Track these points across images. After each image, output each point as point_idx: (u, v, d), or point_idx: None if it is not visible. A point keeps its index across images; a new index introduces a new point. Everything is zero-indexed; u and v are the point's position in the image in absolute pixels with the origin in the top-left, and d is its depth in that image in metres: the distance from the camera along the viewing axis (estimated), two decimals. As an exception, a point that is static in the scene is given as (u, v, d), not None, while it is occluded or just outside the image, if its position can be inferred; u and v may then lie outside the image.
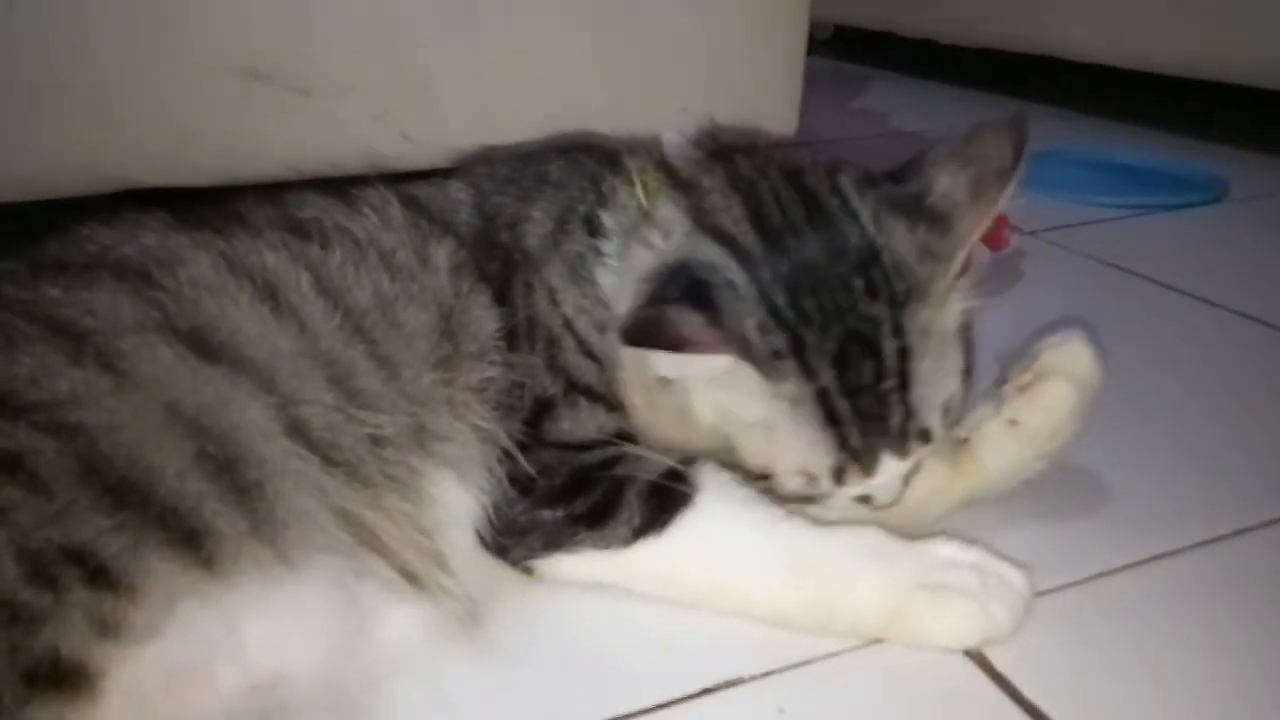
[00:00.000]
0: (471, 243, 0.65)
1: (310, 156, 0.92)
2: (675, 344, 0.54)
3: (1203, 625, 0.59)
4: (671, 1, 1.01)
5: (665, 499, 0.58)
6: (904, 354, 0.57)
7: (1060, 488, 0.70)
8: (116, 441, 0.46)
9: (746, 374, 0.55)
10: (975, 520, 0.64)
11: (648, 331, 0.55)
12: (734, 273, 0.57)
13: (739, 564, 0.58)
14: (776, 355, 0.56)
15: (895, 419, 0.57)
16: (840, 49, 2.32)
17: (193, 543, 0.46)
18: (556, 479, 0.59)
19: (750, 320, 0.56)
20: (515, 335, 0.62)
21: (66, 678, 0.40)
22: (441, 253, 0.63)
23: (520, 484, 0.59)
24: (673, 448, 0.61)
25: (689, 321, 0.54)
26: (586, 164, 0.70)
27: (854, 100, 1.97)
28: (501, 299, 0.63)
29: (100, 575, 0.43)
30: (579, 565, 0.59)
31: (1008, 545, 0.60)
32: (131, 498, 0.45)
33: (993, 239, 1.00)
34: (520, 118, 0.97)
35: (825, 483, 0.59)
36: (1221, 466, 0.75)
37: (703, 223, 0.60)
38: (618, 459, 0.60)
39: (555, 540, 0.59)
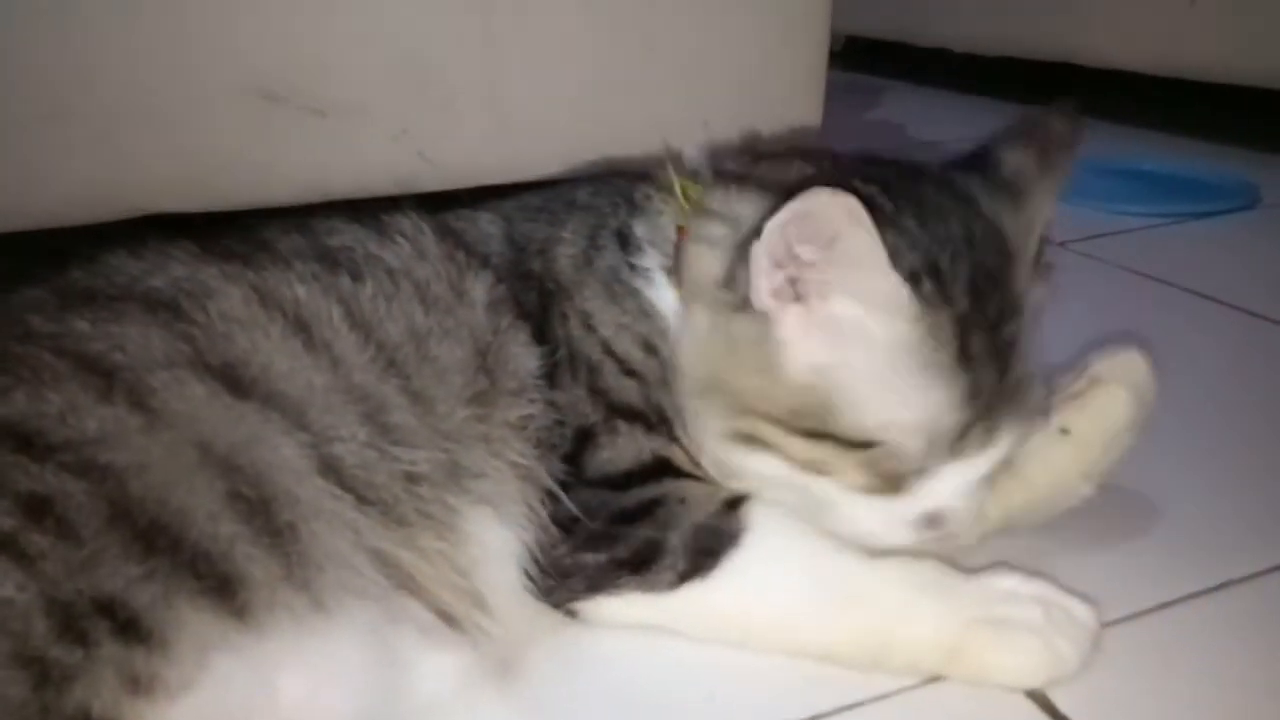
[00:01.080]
0: (507, 275, 0.63)
1: (327, 179, 0.91)
2: (851, 198, 0.49)
3: (1277, 654, 0.56)
4: (691, 13, 1.00)
5: (711, 541, 0.56)
6: (1018, 304, 0.56)
7: (1115, 512, 0.67)
8: (147, 483, 0.44)
9: (889, 285, 0.52)
10: (1032, 549, 0.62)
11: (819, 188, 0.50)
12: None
13: (789, 603, 0.55)
14: (913, 276, 0.53)
15: (1018, 368, 0.55)
16: (852, 60, 2.31)
17: (225, 591, 0.44)
18: (598, 522, 0.57)
19: (886, 234, 0.52)
20: (558, 371, 0.60)
21: (99, 739, 0.38)
22: (479, 287, 0.61)
23: (564, 525, 0.57)
24: (744, 407, 0.56)
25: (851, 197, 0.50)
26: (616, 183, 0.68)
27: (870, 112, 1.95)
28: (541, 336, 0.61)
29: (131, 628, 0.41)
30: (623, 608, 0.57)
31: (1065, 575, 0.58)
32: (162, 542, 0.43)
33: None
34: (540, 136, 0.96)
35: (942, 447, 0.54)
36: (1280, 486, 0.72)
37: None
38: (660, 501, 0.57)
39: (598, 584, 0.57)
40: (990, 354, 0.54)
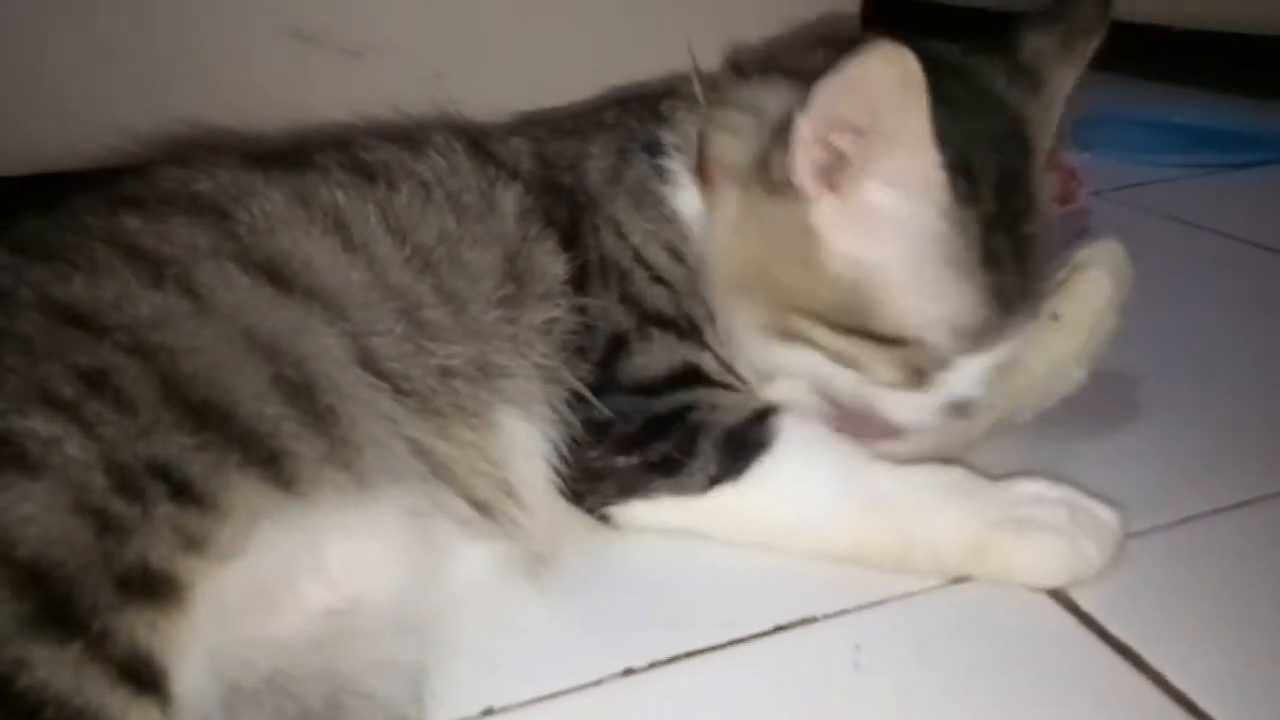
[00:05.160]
0: (537, 189, 0.64)
1: (361, 120, 0.92)
2: (913, 57, 0.49)
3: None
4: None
5: (741, 446, 0.57)
6: (1036, 202, 0.57)
7: (1150, 431, 0.68)
8: (197, 363, 0.46)
9: (929, 165, 0.53)
10: (1060, 460, 0.62)
11: (879, 43, 0.49)
12: None
13: (817, 506, 0.57)
14: (948, 168, 0.54)
15: (1035, 265, 0.57)
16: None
17: (273, 463, 0.45)
18: (630, 426, 0.58)
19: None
20: (587, 277, 0.61)
21: (157, 586, 0.40)
22: (508, 197, 0.62)
23: (595, 429, 0.58)
24: (783, 301, 0.58)
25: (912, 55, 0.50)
26: (642, 102, 0.70)
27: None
28: (569, 244, 0.62)
29: (185, 491, 0.43)
30: (654, 512, 0.59)
31: (1096, 486, 0.58)
32: (213, 418, 0.45)
33: (1063, 193, 0.98)
34: (571, 76, 0.96)
35: (967, 341, 0.56)
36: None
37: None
38: (692, 406, 0.58)
39: (630, 487, 0.58)
40: (1011, 253, 0.56)
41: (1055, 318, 0.64)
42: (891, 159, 0.53)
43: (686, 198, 0.63)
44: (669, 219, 0.62)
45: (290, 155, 0.61)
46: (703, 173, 0.62)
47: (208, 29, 0.92)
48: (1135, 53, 1.71)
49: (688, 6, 0.98)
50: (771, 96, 0.59)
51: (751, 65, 0.65)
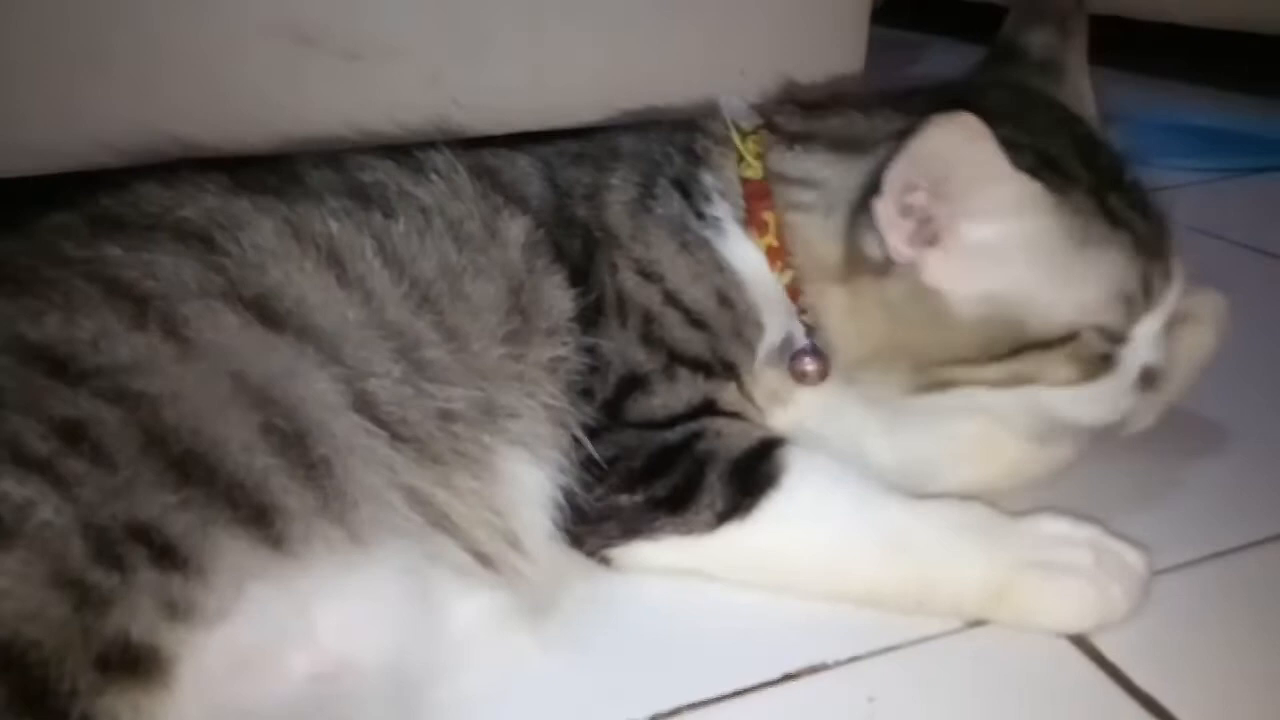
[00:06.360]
0: (548, 219, 0.62)
1: (359, 122, 0.90)
2: (969, 116, 0.49)
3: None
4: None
5: (749, 480, 0.55)
6: (1119, 157, 0.58)
7: (1174, 460, 0.66)
8: (181, 412, 0.43)
9: (1019, 187, 0.52)
10: (1081, 495, 0.60)
11: (936, 120, 0.50)
12: None
13: (831, 545, 0.55)
14: (1033, 171, 0.53)
15: (1154, 210, 0.57)
16: (893, 17, 2.24)
17: (261, 520, 0.43)
18: (635, 461, 0.56)
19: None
20: (600, 314, 0.59)
21: (139, 663, 0.38)
22: (514, 227, 0.59)
23: (594, 470, 0.56)
24: (928, 362, 0.56)
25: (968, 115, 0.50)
26: (663, 132, 0.67)
27: (911, 67, 1.90)
28: (579, 278, 0.60)
29: (167, 555, 0.40)
30: (659, 553, 0.56)
31: (1115, 522, 0.56)
32: (197, 471, 0.43)
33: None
34: (574, 82, 0.94)
35: (1138, 303, 0.55)
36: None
37: (866, 143, 0.58)
38: (698, 435, 0.56)
39: (633, 527, 0.56)
40: (1129, 204, 0.56)
41: None
42: (979, 196, 0.53)
43: (733, 246, 0.61)
44: (720, 267, 0.60)
45: (280, 173, 0.58)
46: (779, 254, 0.60)
47: (200, 30, 0.89)
48: (1148, 52, 1.69)
49: (697, 38, 0.96)
50: (824, 169, 0.60)
51: (780, 119, 0.64)
